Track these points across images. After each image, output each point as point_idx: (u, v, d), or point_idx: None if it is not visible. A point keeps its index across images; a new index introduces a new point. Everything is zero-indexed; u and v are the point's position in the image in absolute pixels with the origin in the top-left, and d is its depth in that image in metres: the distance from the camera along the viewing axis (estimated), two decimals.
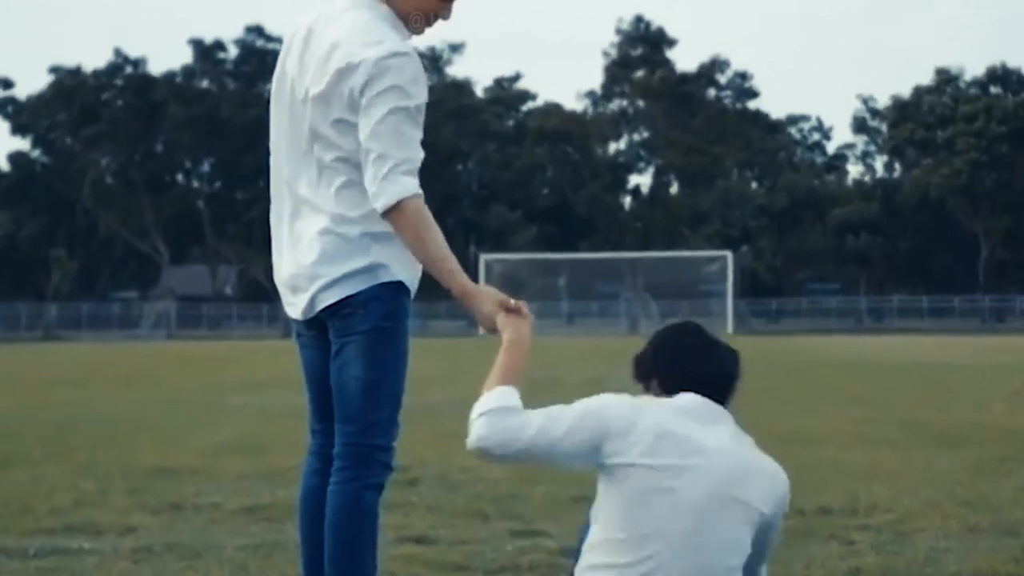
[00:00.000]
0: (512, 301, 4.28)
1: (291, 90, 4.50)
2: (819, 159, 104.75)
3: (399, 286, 4.38)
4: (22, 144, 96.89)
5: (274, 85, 4.61)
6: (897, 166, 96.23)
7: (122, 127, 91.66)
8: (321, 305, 4.37)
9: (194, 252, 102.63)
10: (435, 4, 4.48)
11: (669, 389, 4.14)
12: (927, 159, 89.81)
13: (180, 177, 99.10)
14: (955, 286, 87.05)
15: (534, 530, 6.95)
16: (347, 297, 4.32)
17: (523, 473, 8.84)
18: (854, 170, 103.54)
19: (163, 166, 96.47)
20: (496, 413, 3.97)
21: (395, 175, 4.17)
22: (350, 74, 4.24)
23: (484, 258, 71.86)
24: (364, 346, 4.32)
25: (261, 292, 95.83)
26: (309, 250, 4.39)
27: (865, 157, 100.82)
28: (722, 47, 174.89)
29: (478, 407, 3.98)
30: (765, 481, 3.99)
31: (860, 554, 6.26)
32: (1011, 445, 10.95)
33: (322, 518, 4.41)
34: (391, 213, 4.19)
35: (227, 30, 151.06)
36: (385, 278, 4.34)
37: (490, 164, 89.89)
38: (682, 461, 3.88)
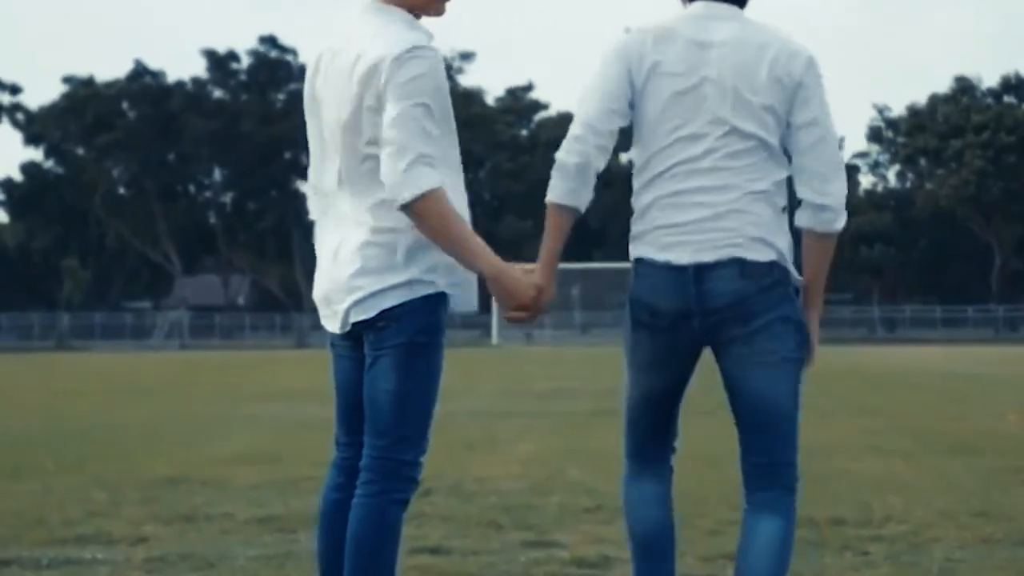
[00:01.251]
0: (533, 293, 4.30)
1: (323, 111, 4.46)
2: None
3: (438, 299, 4.31)
4: (35, 154, 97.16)
5: (306, 103, 4.57)
6: (910, 175, 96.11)
7: (135, 137, 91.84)
8: (356, 318, 4.31)
9: (207, 262, 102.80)
10: None
11: None
12: (939, 169, 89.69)
13: (192, 187, 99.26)
14: (968, 296, 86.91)
15: (548, 540, 6.94)
16: (383, 311, 4.27)
17: (537, 483, 8.82)
18: (866, 180, 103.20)
19: (176, 176, 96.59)
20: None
21: (417, 167, 4.11)
22: (372, 77, 4.20)
23: None
24: (396, 359, 4.28)
25: (274, 302, 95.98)
26: (348, 263, 4.32)
27: (878, 167, 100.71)
28: None
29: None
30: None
31: (874, 565, 6.24)
32: None
33: (342, 533, 4.40)
34: (414, 205, 4.12)
35: (240, 41, 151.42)
36: (423, 292, 4.28)
37: (502, 174, 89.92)
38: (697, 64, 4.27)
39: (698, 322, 4.26)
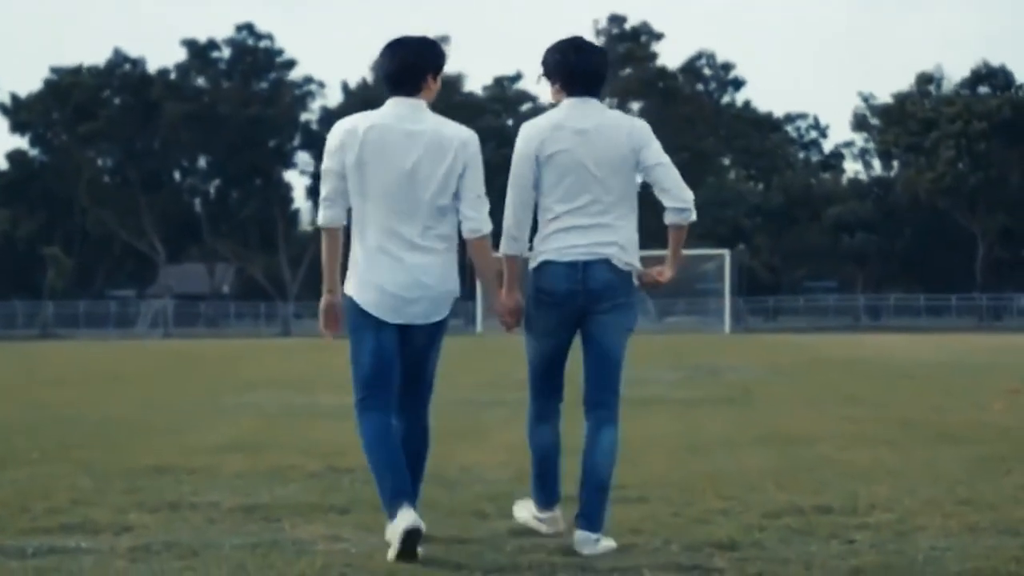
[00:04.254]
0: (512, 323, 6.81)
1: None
2: (815, 157, 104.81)
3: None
4: (20, 143, 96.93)
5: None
6: (895, 164, 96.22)
7: (118, 125, 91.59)
8: None
9: (191, 250, 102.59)
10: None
11: (561, 85, 6.69)
12: (918, 158, 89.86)
13: (177, 175, 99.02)
14: (952, 284, 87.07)
15: (533, 529, 6.93)
16: None
17: (522, 472, 8.81)
18: (852, 168, 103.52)
19: (159, 164, 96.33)
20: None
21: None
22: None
23: None
24: None
25: (259, 290, 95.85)
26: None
27: (863, 155, 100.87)
28: (731, 48, 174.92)
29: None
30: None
31: (860, 553, 6.24)
32: (1011, 444, 10.94)
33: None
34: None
35: (219, 30, 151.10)
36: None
37: (489, 164, 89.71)
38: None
39: (580, 299, 6.51)
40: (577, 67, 6.63)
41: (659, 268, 6.73)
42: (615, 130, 6.56)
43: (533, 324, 6.65)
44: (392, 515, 6.19)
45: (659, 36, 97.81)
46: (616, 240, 6.52)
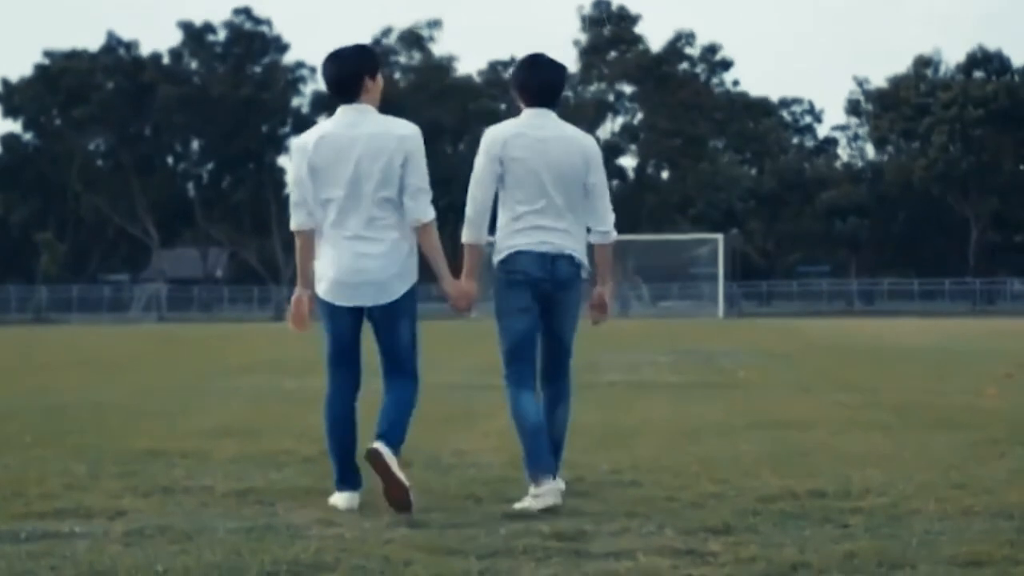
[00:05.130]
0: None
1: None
2: (809, 142, 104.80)
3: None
4: (13, 127, 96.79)
5: None
6: (890, 148, 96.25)
7: (111, 109, 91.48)
8: None
9: (184, 235, 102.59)
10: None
11: (522, 96, 7.47)
12: (912, 143, 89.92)
13: (170, 159, 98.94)
14: (945, 269, 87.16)
15: (527, 513, 6.92)
16: None
17: (515, 457, 8.80)
18: (845, 153, 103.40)
19: (152, 148, 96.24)
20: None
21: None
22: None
23: None
24: None
25: (252, 274, 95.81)
26: None
27: (857, 139, 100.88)
28: (720, 33, 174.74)
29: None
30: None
31: (855, 537, 6.24)
32: (1004, 427, 10.94)
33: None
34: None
35: (215, 13, 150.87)
36: None
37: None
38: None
39: (549, 285, 7.36)
40: (534, 81, 7.48)
41: (598, 290, 7.79)
42: (571, 143, 7.42)
43: (506, 305, 7.42)
44: (339, 489, 7.31)
45: (635, 19, 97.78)
46: (575, 241, 7.44)
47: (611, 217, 7.57)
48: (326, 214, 7.18)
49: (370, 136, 7.14)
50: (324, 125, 7.35)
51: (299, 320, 7.40)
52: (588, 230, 7.56)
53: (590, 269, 7.55)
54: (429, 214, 7.23)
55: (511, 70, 7.74)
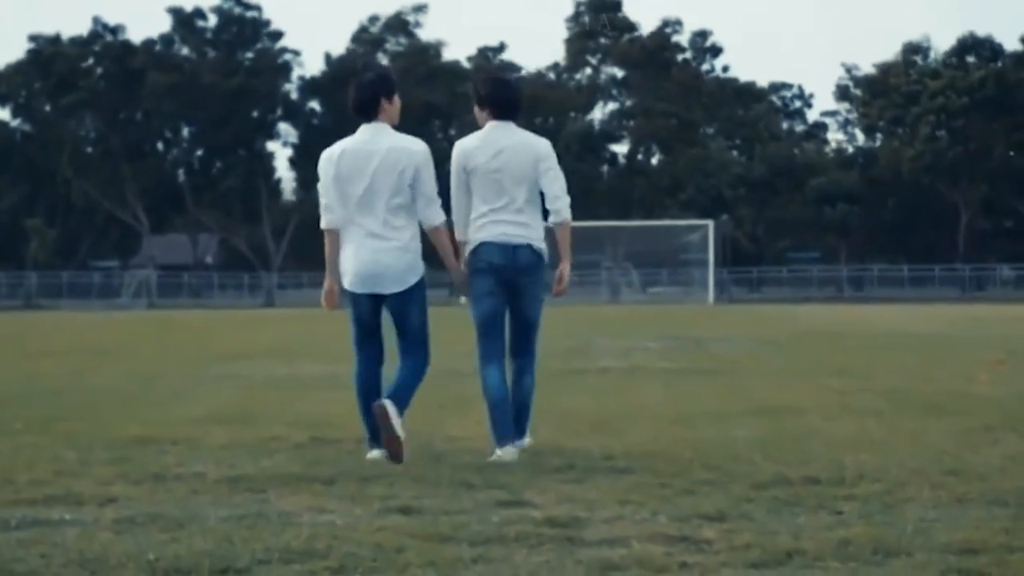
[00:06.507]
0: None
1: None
2: (800, 127, 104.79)
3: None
4: (2, 114, 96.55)
5: None
6: (879, 136, 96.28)
7: (101, 95, 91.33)
8: None
9: (175, 221, 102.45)
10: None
11: (484, 110, 8.69)
12: (900, 130, 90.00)
13: (160, 145, 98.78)
14: (935, 255, 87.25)
15: (520, 500, 6.90)
16: None
17: None
18: (835, 139, 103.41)
19: (142, 134, 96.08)
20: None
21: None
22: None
23: None
24: None
25: (242, 261, 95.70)
26: None
27: (847, 125, 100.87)
28: (710, 18, 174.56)
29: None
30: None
31: (848, 524, 6.21)
32: (997, 414, 10.93)
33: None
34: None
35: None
36: None
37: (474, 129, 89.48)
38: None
39: (511, 271, 8.53)
40: (497, 97, 8.71)
41: (560, 268, 8.70)
42: (526, 147, 8.60)
43: (475, 290, 8.66)
44: (371, 448, 8.56)
45: (618, 3, 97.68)
46: (533, 232, 8.60)
47: (563, 200, 8.65)
48: (345, 215, 8.50)
49: (386, 151, 8.43)
50: (347, 140, 8.61)
51: (331, 301, 8.79)
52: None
53: (551, 255, 8.70)
54: (438, 219, 8.54)
55: (475, 86, 8.95)
